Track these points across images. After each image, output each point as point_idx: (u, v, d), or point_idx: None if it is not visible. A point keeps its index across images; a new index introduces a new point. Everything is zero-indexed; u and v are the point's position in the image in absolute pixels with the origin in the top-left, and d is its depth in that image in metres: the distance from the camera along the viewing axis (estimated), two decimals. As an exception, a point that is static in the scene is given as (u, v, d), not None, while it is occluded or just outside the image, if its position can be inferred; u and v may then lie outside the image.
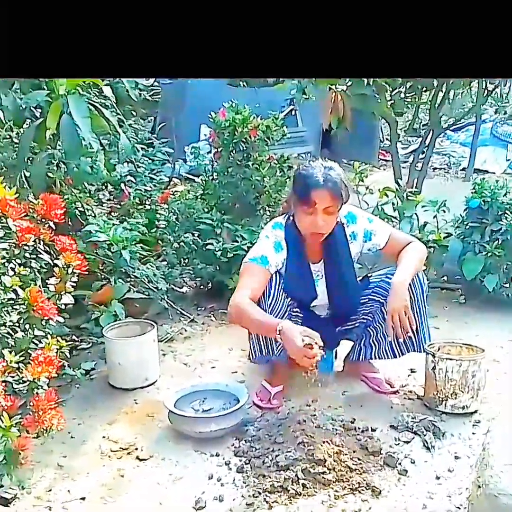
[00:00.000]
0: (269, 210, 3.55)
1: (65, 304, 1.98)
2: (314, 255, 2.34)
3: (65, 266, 1.94)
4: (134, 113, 4.89)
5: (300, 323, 2.34)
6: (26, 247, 1.87)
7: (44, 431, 1.60)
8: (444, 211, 3.47)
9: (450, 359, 2.26)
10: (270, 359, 2.38)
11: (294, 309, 2.35)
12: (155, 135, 5.21)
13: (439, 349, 2.39)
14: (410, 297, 2.27)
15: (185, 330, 3.09)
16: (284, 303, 2.28)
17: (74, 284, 1.99)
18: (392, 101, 3.86)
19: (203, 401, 2.33)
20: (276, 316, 2.23)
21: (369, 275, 2.48)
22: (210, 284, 3.53)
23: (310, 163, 2.23)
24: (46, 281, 1.95)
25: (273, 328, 2.02)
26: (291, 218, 2.31)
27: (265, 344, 2.29)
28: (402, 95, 4.10)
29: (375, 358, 2.51)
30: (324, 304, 2.40)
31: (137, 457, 2.09)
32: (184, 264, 3.48)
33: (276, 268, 2.27)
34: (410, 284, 2.26)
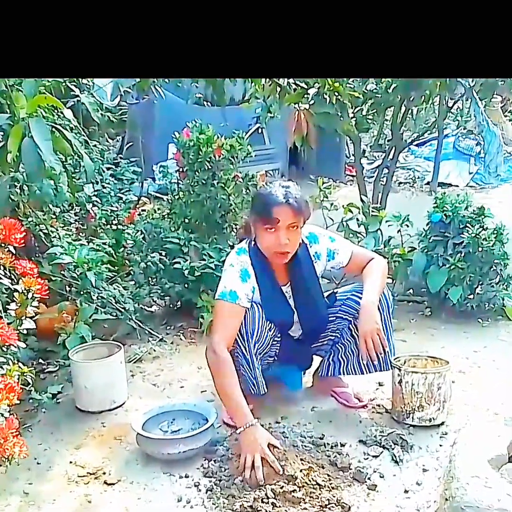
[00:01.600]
0: (235, 228, 3.57)
1: (28, 329, 1.95)
2: (281, 277, 2.33)
3: (25, 291, 1.92)
4: (101, 134, 4.89)
5: (279, 349, 2.39)
6: (-15, 273, 1.85)
7: (6, 460, 1.57)
8: (408, 226, 3.54)
9: (416, 372, 2.29)
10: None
11: (277, 337, 2.35)
12: (122, 155, 5.21)
13: (405, 362, 2.42)
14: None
15: (154, 350, 3.07)
16: (268, 334, 2.29)
17: (36, 309, 1.96)
18: (354, 119, 3.92)
19: (172, 422, 2.31)
20: (261, 348, 2.26)
21: (335, 291, 2.50)
22: (178, 303, 3.53)
23: (269, 183, 2.25)
24: (7, 306, 1.93)
25: (242, 420, 2.02)
26: (253, 242, 2.30)
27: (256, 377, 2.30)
28: (364, 113, 4.17)
29: (343, 374, 2.53)
30: (296, 325, 2.41)
31: (105, 482, 2.05)
32: (152, 284, 3.47)
33: (248, 297, 2.23)
34: (379, 308, 2.29)
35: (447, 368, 2.32)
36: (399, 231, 3.58)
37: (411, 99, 4.10)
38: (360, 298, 2.31)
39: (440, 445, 2.22)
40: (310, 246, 2.35)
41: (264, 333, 2.27)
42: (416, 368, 2.38)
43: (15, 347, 1.79)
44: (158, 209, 4.00)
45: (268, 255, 2.25)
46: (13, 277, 2.01)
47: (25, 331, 1.93)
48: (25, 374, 1.77)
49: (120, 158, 4.95)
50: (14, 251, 2.02)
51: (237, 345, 2.24)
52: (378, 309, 2.27)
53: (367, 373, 2.47)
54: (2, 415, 1.58)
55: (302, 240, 2.31)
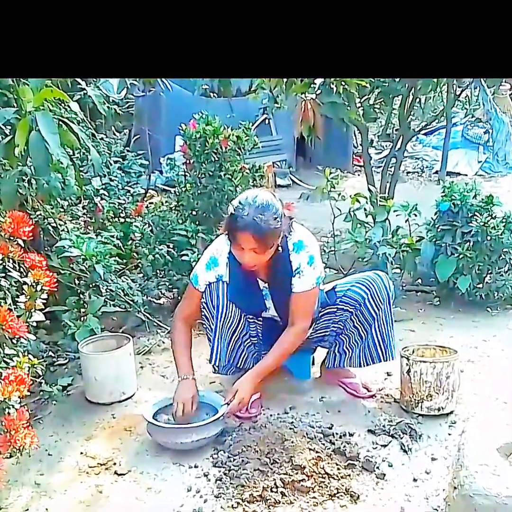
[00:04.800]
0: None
1: (37, 321, 1.96)
2: (261, 274, 2.34)
3: (34, 284, 1.93)
4: (108, 127, 4.89)
5: (260, 329, 2.43)
6: (-6, 266, 1.86)
7: (17, 451, 1.59)
8: (416, 215, 3.53)
9: (424, 362, 2.29)
10: (238, 369, 2.43)
11: (249, 316, 2.39)
12: (129, 148, 5.22)
13: (413, 352, 2.42)
14: (376, 310, 2.36)
15: (163, 342, 3.08)
16: (235, 310, 2.32)
17: (45, 301, 1.98)
18: (362, 108, 3.91)
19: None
20: (230, 324, 2.32)
21: (335, 285, 2.50)
22: (187, 295, 3.53)
23: (244, 199, 2.16)
24: (16, 299, 1.94)
25: (179, 373, 2.35)
26: None
27: (226, 354, 2.36)
28: (372, 102, 4.15)
29: (349, 365, 2.54)
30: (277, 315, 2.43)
31: (115, 472, 2.07)
32: (160, 276, 3.48)
33: (207, 283, 2.32)
34: (375, 297, 2.35)
35: (456, 357, 2.32)
36: (407, 220, 3.56)
37: (418, 88, 4.07)
38: (361, 289, 2.38)
39: (449, 434, 2.22)
40: (291, 253, 2.28)
41: (231, 309, 2.31)
42: (424, 357, 2.38)
43: (25, 339, 1.81)
44: (166, 201, 4.00)
45: None
46: (22, 270, 2.02)
47: (34, 324, 1.95)
48: (35, 366, 1.79)
49: (127, 151, 4.95)
50: (23, 244, 2.03)
51: (205, 319, 2.39)
52: (376, 302, 2.35)
53: (372, 364, 2.48)
54: (13, 406, 1.60)
55: (286, 244, 2.27)
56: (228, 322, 2.32)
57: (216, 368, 2.45)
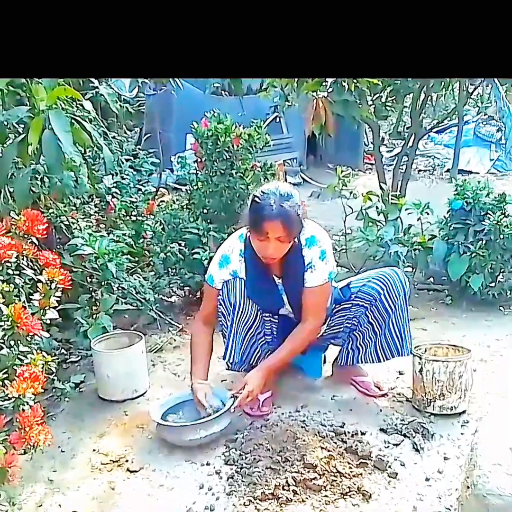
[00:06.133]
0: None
1: (51, 319, 1.98)
2: (275, 269, 2.35)
3: (48, 282, 1.94)
4: (120, 125, 4.90)
5: (275, 327, 2.42)
6: (9, 264, 1.87)
7: (31, 447, 1.60)
8: (428, 213, 3.51)
9: (437, 361, 2.28)
10: (251, 366, 2.41)
11: (266, 314, 2.39)
12: (140, 146, 5.23)
13: (425, 351, 2.41)
14: (392, 305, 2.35)
15: (174, 340, 3.09)
16: (252, 307, 2.32)
17: (59, 299, 1.99)
18: (373, 106, 3.89)
19: (182, 413, 2.32)
20: (246, 321, 2.33)
21: (349, 281, 2.50)
22: (198, 293, 3.54)
23: (267, 189, 2.18)
24: (30, 297, 1.95)
25: (193, 377, 2.34)
26: (248, 234, 2.30)
27: (240, 351, 2.37)
28: (383, 100, 4.13)
29: (362, 361, 2.53)
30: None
31: (128, 469, 2.08)
32: (172, 274, 3.49)
33: (223, 280, 2.34)
34: (391, 292, 2.34)
35: (468, 356, 2.31)
36: (419, 219, 3.54)
37: (430, 85, 4.05)
38: (377, 284, 2.37)
39: (461, 434, 2.21)
40: (303, 247, 2.30)
41: (247, 306, 2.31)
42: (437, 356, 2.37)
43: (39, 337, 1.82)
44: (177, 200, 4.01)
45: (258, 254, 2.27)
46: (36, 268, 2.03)
47: (48, 321, 1.96)
48: (48, 363, 1.80)
49: (139, 149, 4.97)
50: (37, 242, 2.05)
51: (221, 315, 2.39)
52: (391, 297, 2.35)
53: (384, 360, 2.48)
54: (27, 403, 1.61)
55: (299, 239, 2.28)
56: (244, 319, 2.32)
57: (230, 365, 2.46)
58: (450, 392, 2.28)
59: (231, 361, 2.41)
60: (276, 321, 2.42)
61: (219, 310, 2.39)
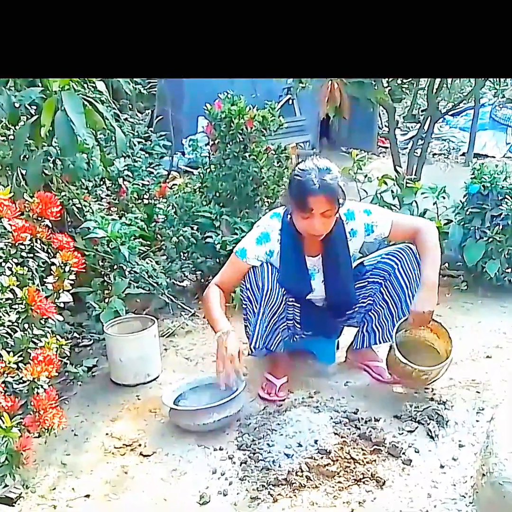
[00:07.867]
0: (267, 202, 3.54)
1: (64, 302, 1.97)
2: (312, 249, 2.32)
3: (62, 265, 1.93)
4: (131, 107, 4.86)
5: (297, 312, 2.41)
6: (23, 246, 1.86)
7: (46, 431, 1.60)
8: (444, 198, 3.46)
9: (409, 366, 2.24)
10: (269, 351, 2.40)
11: (290, 299, 2.36)
12: (152, 129, 5.19)
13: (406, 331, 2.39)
14: (406, 281, 2.35)
15: (187, 324, 3.08)
16: (279, 293, 2.29)
17: (72, 282, 1.98)
18: (389, 88, 3.83)
19: (195, 397, 2.32)
20: (272, 306, 2.29)
21: (363, 260, 2.47)
22: (210, 277, 3.51)
23: (305, 165, 2.16)
24: (44, 280, 1.95)
25: (216, 328, 2.19)
26: (289, 215, 2.27)
27: (264, 336, 2.33)
28: (399, 81, 4.07)
29: (379, 342, 2.51)
30: (320, 297, 2.39)
31: (141, 453, 2.09)
32: (184, 258, 3.47)
33: (258, 258, 2.30)
34: (406, 266, 2.34)
35: (445, 364, 2.26)
36: (435, 203, 3.49)
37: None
38: (390, 260, 2.36)
39: (477, 421, 2.19)
40: (347, 223, 2.31)
41: (275, 292, 2.28)
42: (416, 337, 2.40)
43: (53, 320, 1.81)
44: (189, 183, 3.98)
45: (302, 233, 2.24)
46: (49, 251, 2.02)
47: (61, 305, 1.95)
48: (62, 346, 1.79)
49: (150, 132, 4.93)
50: (50, 225, 2.03)
51: (247, 300, 2.35)
52: (408, 273, 2.34)
53: None
54: (42, 386, 1.60)
55: (340, 216, 2.27)
56: (271, 304, 2.29)
57: (253, 350, 2.42)
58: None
59: (256, 346, 2.37)
60: (299, 306, 2.40)
61: (246, 294, 2.35)
